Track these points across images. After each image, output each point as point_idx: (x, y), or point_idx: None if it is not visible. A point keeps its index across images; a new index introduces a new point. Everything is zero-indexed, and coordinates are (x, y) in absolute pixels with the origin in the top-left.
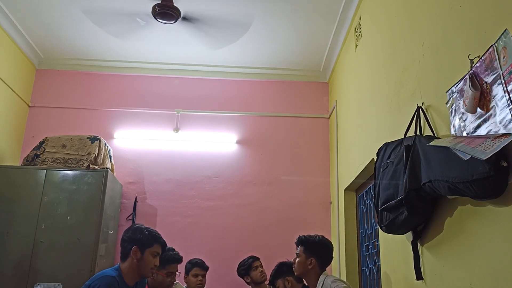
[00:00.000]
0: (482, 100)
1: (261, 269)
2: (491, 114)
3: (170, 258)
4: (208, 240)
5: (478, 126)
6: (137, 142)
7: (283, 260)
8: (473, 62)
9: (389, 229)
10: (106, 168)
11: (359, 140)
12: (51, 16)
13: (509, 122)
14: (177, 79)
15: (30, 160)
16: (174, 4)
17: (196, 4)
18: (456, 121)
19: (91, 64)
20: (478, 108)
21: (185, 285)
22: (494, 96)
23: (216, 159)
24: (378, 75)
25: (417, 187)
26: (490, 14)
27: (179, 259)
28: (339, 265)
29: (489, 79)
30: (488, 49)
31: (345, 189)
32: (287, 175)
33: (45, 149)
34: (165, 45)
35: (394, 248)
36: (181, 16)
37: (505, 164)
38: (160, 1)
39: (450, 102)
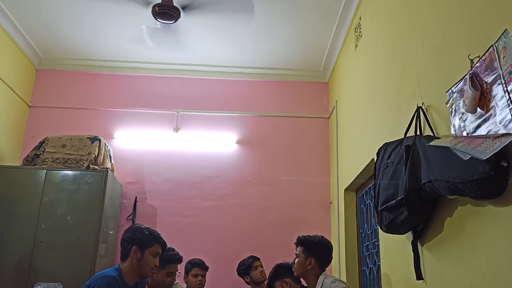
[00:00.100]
0: (482, 100)
1: (261, 269)
2: (491, 114)
3: (170, 258)
4: (208, 240)
5: (478, 126)
6: (137, 142)
7: (280, 262)
8: (473, 62)
9: (389, 229)
10: (106, 168)
11: (359, 140)
12: (51, 16)
13: (509, 122)
14: (177, 79)
15: (30, 160)
16: (174, 4)
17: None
18: (456, 121)
19: (91, 64)
20: (478, 108)
21: (185, 285)
22: (494, 96)
23: (216, 159)
24: (378, 75)
25: (417, 187)
26: (490, 14)
27: (179, 259)
28: (339, 265)
29: (489, 79)
30: (488, 49)
31: (345, 189)
32: (287, 175)
33: (45, 149)
34: (165, 45)
35: (394, 248)
36: (181, 8)
37: (505, 164)
38: (160, 1)
39: (450, 102)
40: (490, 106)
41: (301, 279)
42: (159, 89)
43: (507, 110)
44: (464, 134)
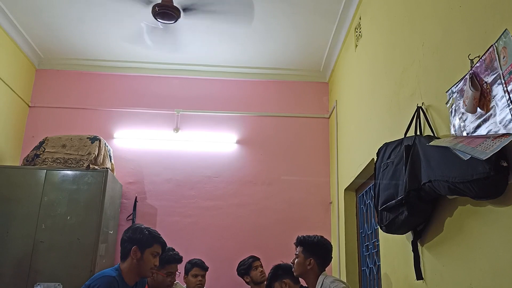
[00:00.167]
0: (482, 100)
1: (261, 269)
2: (491, 114)
3: (170, 258)
4: (208, 240)
5: (478, 126)
6: (137, 142)
7: (278, 263)
8: (473, 62)
9: (389, 229)
10: (106, 168)
11: (359, 140)
12: (51, 16)
13: (509, 122)
14: (177, 79)
15: (30, 160)
16: (174, 4)
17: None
18: (456, 121)
19: (91, 64)
20: (478, 108)
21: (185, 285)
22: (494, 96)
23: (216, 159)
24: (378, 75)
25: (417, 187)
26: (490, 14)
27: (179, 259)
28: (339, 265)
29: (489, 79)
30: (488, 49)
31: (345, 189)
32: (287, 175)
33: (45, 149)
34: (165, 45)
35: (394, 248)
36: (181, 9)
37: (505, 164)
38: (160, 1)
39: (450, 102)
40: (490, 106)
41: (300, 280)
42: (159, 89)
43: (507, 110)
44: (464, 134)
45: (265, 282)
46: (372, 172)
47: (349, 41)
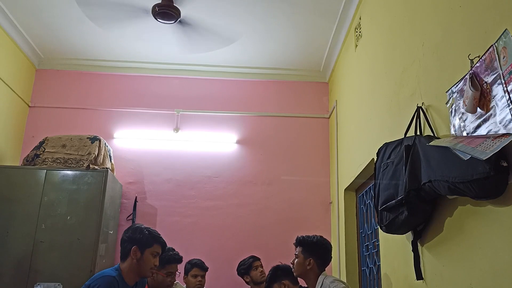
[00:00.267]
0: (482, 100)
1: (261, 269)
2: (491, 114)
3: (170, 258)
4: (208, 240)
5: (478, 126)
6: (137, 142)
7: (277, 264)
8: (473, 62)
9: (389, 229)
10: (106, 168)
11: (359, 140)
12: (51, 16)
13: (509, 122)
14: (177, 79)
15: (30, 160)
16: (174, 4)
17: (195, 5)
18: (456, 121)
19: (91, 64)
20: (478, 108)
21: (185, 285)
22: (494, 96)
23: (216, 159)
24: (378, 75)
25: (417, 187)
26: (490, 14)
27: (179, 259)
28: (339, 265)
29: (489, 79)
30: (488, 49)
31: (345, 189)
32: (287, 175)
33: (45, 149)
34: (164, 45)
35: (394, 248)
36: (181, 17)
37: (505, 164)
38: (160, 1)
39: (450, 102)
40: (490, 106)
41: (299, 281)
42: (159, 89)
43: (507, 110)
44: (464, 134)
45: (264, 283)
46: (372, 172)
47: (349, 41)
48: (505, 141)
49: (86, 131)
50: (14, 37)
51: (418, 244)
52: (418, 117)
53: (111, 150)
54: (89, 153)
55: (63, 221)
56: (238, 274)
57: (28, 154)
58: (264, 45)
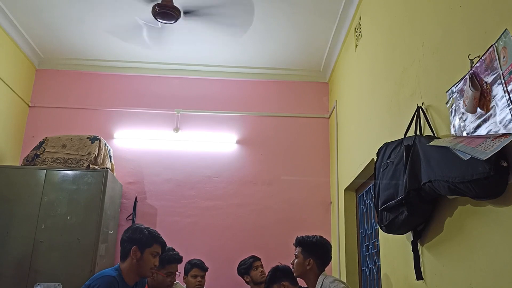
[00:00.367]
0: (482, 100)
1: (261, 269)
2: (491, 114)
3: (170, 258)
4: (208, 240)
5: (478, 126)
6: (137, 142)
7: (277, 264)
8: (473, 62)
9: (389, 229)
10: (106, 168)
11: (359, 140)
12: (51, 16)
13: (509, 122)
14: (177, 79)
15: (30, 160)
16: (174, 4)
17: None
18: (456, 121)
19: (91, 64)
20: (478, 108)
21: (185, 285)
22: (494, 96)
23: (216, 159)
24: (378, 75)
25: (417, 187)
26: (490, 14)
27: (179, 259)
28: (339, 265)
29: (489, 79)
30: (488, 49)
31: (345, 189)
32: (287, 175)
33: (45, 149)
34: (165, 45)
35: (394, 248)
36: (182, 12)
37: (505, 164)
38: (160, 1)
39: (450, 102)
40: (490, 106)
41: (299, 281)
42: (159, 89)
43: (507, 110)
44: (464, 134)
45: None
46: (372, 172)
47: (349, 41)
48: (505, 141)
49: (86, 131)
50: (14, 37)
51: (418, 244)
52: (418, 117)
53: (111, 150)
54: (89, 153)
55: (63, 221)
56: (238, 273)
57: (28, 154)
58: (264, 45)
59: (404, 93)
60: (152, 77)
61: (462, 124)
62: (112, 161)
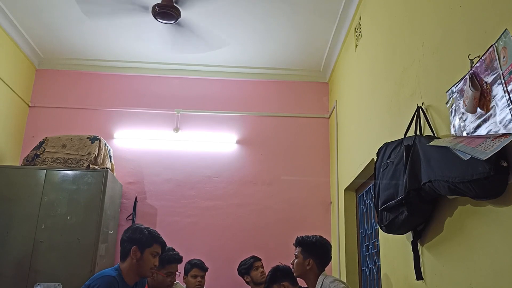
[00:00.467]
0: (482, 100)
1: (262, 269)
2: (491, 114)
3: (170, 258)
4: (208, 240)
5: (478, 126)
6: (137, 142)
7: (277, 264)
8: (473, 62)
9: (389, 229)
10: (106, 168)
11: (359, 140)
12: (51, 16)
13: (509, 122)
14: (177, 79)
15: (30, 160)
16: (174, 4)
17: (195, 4)
18: (456, 121)
19: (91, 64)
20: (478, 108)
21: (185, 285)
22: (494, 96)
23: (216, 159)
24: (378, 75)
25: (417, 187)
26: (490, 14)
27: (179, 259)
28: (339, 265)
29: (489, 79)
30: (488, 49)
31: (345, 189)
32: (287, 175)
33: (45, 149)
34: (165, 45)
35: (394, 248)
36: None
37: (505, 164)
38: (160, 1)
39: (450, 102)
40: (490, 106)
41: (299, 281)
42: (159, 89)
43: (507, 110)
44: (464, 134)
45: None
46: (372, 172)
47: (349, 41)
48: (505, 141)
49: (86, 131)
50: (14, 37)
51: (418, 244)
52: (418, 117)
53: (111, 150)
54: (89, 153)
55: (63, 221)
56: (238, 273)
57: (28, 154)
58: (264, 45)
59: (404, 93)
60: (152, 77)
61: (462, 124)
62: (112, 161)
